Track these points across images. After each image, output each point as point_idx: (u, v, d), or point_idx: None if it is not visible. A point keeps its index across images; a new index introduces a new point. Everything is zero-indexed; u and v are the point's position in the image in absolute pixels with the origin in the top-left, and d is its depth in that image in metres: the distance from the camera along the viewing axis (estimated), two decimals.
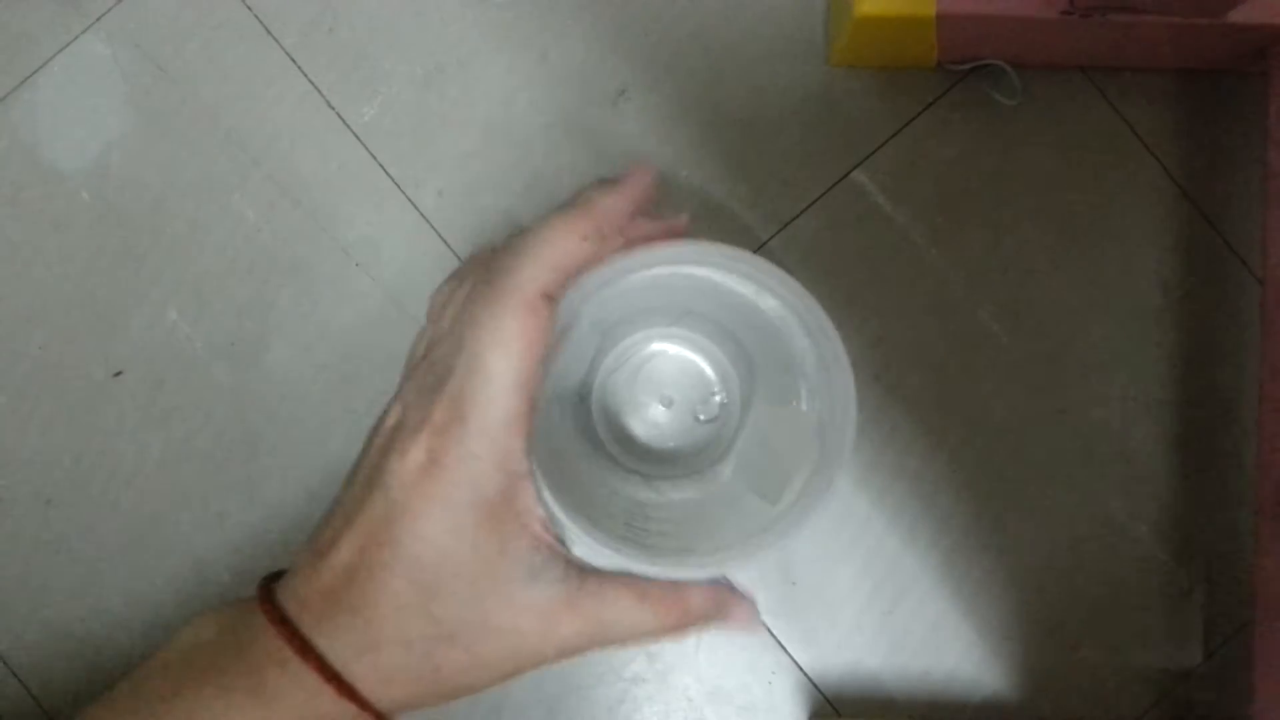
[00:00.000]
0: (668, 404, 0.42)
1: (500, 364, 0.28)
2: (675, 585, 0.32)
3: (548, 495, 0.30)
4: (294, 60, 0.66)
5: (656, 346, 0.42)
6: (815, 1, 0.66)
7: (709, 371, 0.42)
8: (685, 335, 0.42)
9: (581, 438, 0.41)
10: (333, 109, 0.66)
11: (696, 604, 0.32)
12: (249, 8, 0.66)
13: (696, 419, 0.42)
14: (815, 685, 0.63)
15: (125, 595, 0.65)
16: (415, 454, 0.29)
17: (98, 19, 0.66)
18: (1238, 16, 0.57)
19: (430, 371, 0.30)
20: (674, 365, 0.42)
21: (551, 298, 0.29)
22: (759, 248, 0.65)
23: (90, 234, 0.65)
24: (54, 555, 0.65)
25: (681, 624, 0.32)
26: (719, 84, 0.66)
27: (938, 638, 0.63)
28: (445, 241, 0.65)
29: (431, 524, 0.29)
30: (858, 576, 0.63)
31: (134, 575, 0.65)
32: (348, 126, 0.66)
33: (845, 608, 0.63)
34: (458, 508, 0.29)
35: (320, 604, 0.30)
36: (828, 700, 0.63)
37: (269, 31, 0.66)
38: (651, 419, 0.42)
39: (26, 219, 0.66)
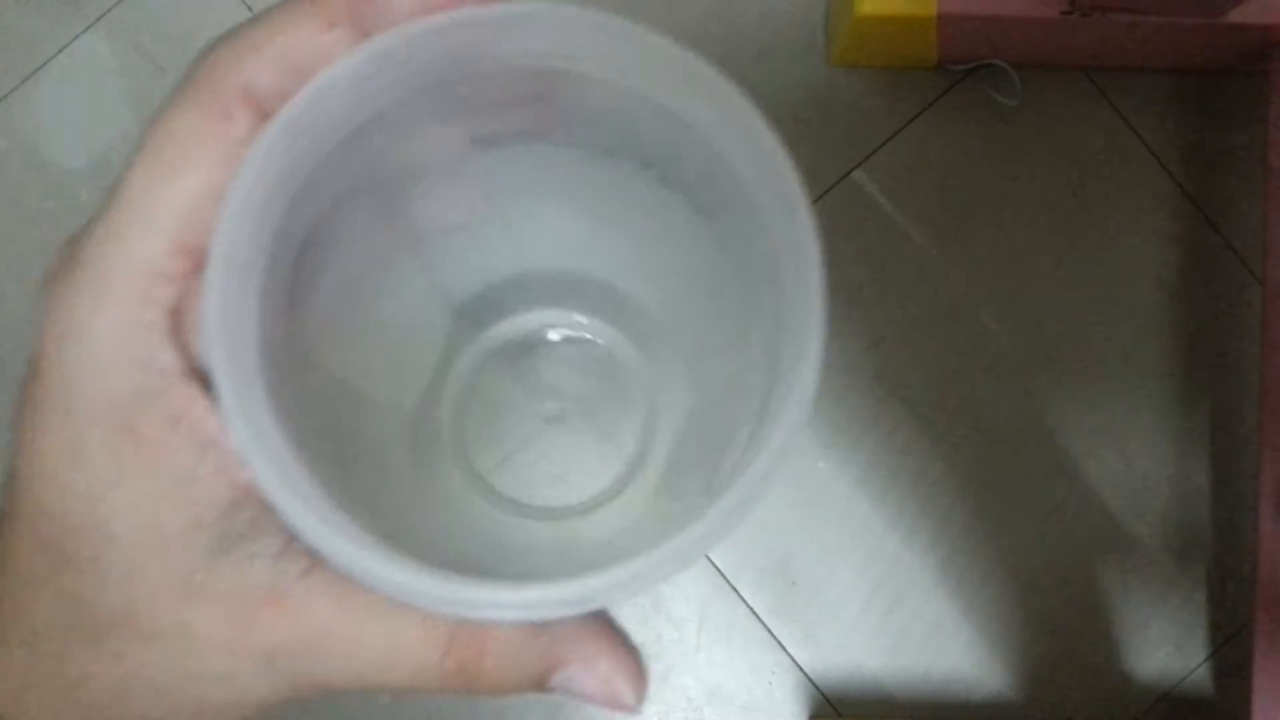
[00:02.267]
0: (556, 419, 0.29)
1: (140, 178, 0.18)
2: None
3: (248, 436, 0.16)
4: None
5: (536, 329, 0.29)
6: (815, 1, 0.66)
7: (620, 353, 0.28)
8: (578, 293, 0.28)
9: (412, 456, 0.27)
10: None
11: (506, 643, 0.19)
12: (249, 8, 0.66)
13: (603, 432, 0.29)
14: (815, 685, 0.63)
15: None
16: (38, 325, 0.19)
17: (98, 19, 0.66)
18: (1238, 16, 0.57)
19: None
20: (566, 354, 0.29)
21: (259, 101, 0.18)
22: None
23: None
24: None
25: (471, 669, 0.19)
26: None
27: (938, 638, 0.63)
28: None
29: (45, 438, 0.18)
30: (858, 576, 0.63)
31: None
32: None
33: (845, 608, 0.63)
34: (72, 407, 0.18)
35: None
36: (828, 700, 0.63)
37: None
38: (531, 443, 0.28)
39: (26, 218, 0.66)
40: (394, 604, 0.18)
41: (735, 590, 0.63)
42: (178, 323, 0.18)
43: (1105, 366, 0.65)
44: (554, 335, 0.29)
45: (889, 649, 0.63)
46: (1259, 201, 0.64)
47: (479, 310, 0.28)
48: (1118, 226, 0.65)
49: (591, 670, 0.19)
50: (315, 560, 0.18)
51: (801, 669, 0.63)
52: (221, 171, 0.18)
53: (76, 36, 0.66)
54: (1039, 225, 0.65)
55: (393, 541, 0.19)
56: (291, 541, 0.18)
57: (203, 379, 0.18)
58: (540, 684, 0.19)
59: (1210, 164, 0.65)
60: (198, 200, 0.18)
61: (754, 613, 0.63)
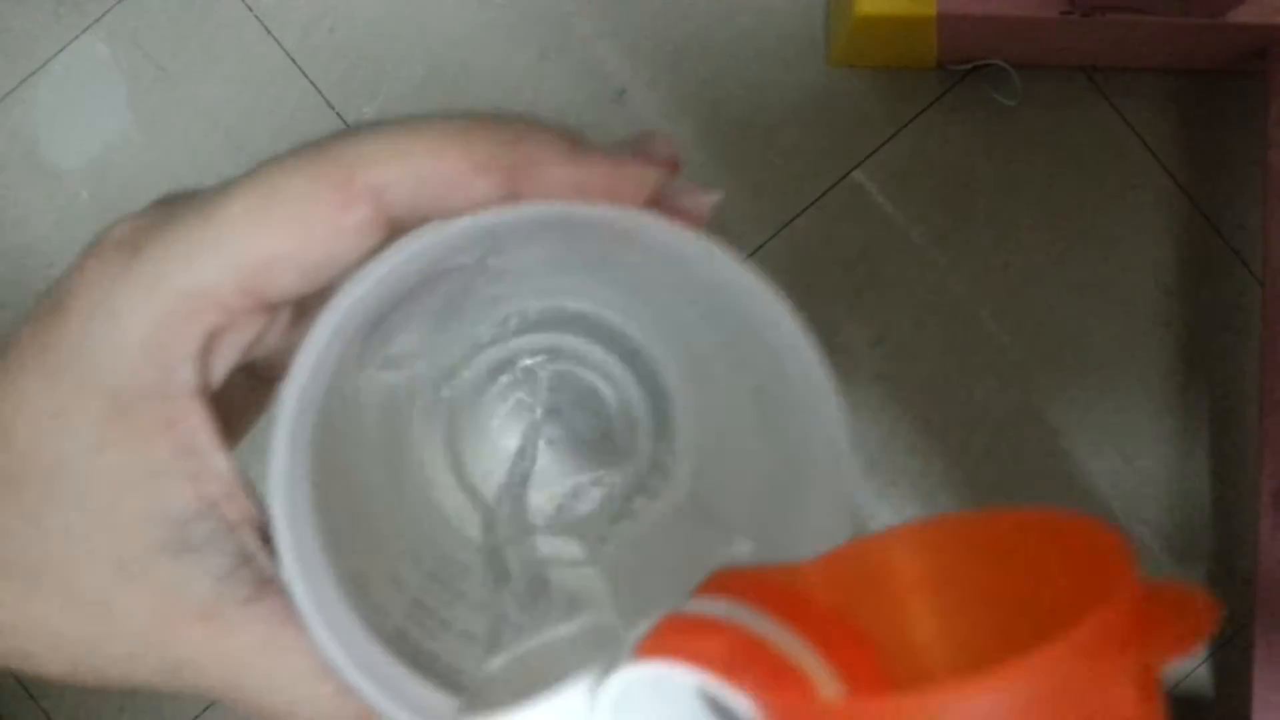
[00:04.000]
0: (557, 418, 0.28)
1: (239, 210, 0.18)
2: None
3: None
4: (294, 60, 0.66)
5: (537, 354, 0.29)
6: (815, 1, 0.66)
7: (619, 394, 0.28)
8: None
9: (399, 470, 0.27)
10: (333, 109, 0.66)
11: None
12: (249, 8, 0.66)
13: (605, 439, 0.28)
14: None
15: None
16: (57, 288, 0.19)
17: (98, 19, 0.66)
18: (1238, 16, 0.57)
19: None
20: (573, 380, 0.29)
21: (384, 205, 0.17)
22: (758, 248, 0.65)
23: (90, 234, 0.65)
24: None
25: None
26: (718, 84, 0.66)
27: None
28: None
29: (40, 392, 0.19)
30: None
31: None
32: (348, 127, 0.66)
33: None
34: (83, 378, 0.18)
35: None
36: None
37: (269, 32, 0.66)
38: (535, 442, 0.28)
39: (26, 219, 0.66)
40: (320, 668, 0.18)
41: None
42: (210, 344, 0.18)
43: (1105, 366, 0.65)
44: (562, 365, 0.29)
45: None
46: (1259, 201, 0.64)
47: (503, 339, 0.28)
48: (1118, 226, 0.65)
49: None
50: (258, 593, 0.19)
51: None
52: (319, 249, 0.18)
53: (76, 36, 0.66)
54: (1039, 225, 0.65)
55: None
56: (241, 567, 0.19)
57: (210, 400, 0.19)
58: None
59: (1210, 164, 0.65)
60: (283, 261, 0.18)
61: None
